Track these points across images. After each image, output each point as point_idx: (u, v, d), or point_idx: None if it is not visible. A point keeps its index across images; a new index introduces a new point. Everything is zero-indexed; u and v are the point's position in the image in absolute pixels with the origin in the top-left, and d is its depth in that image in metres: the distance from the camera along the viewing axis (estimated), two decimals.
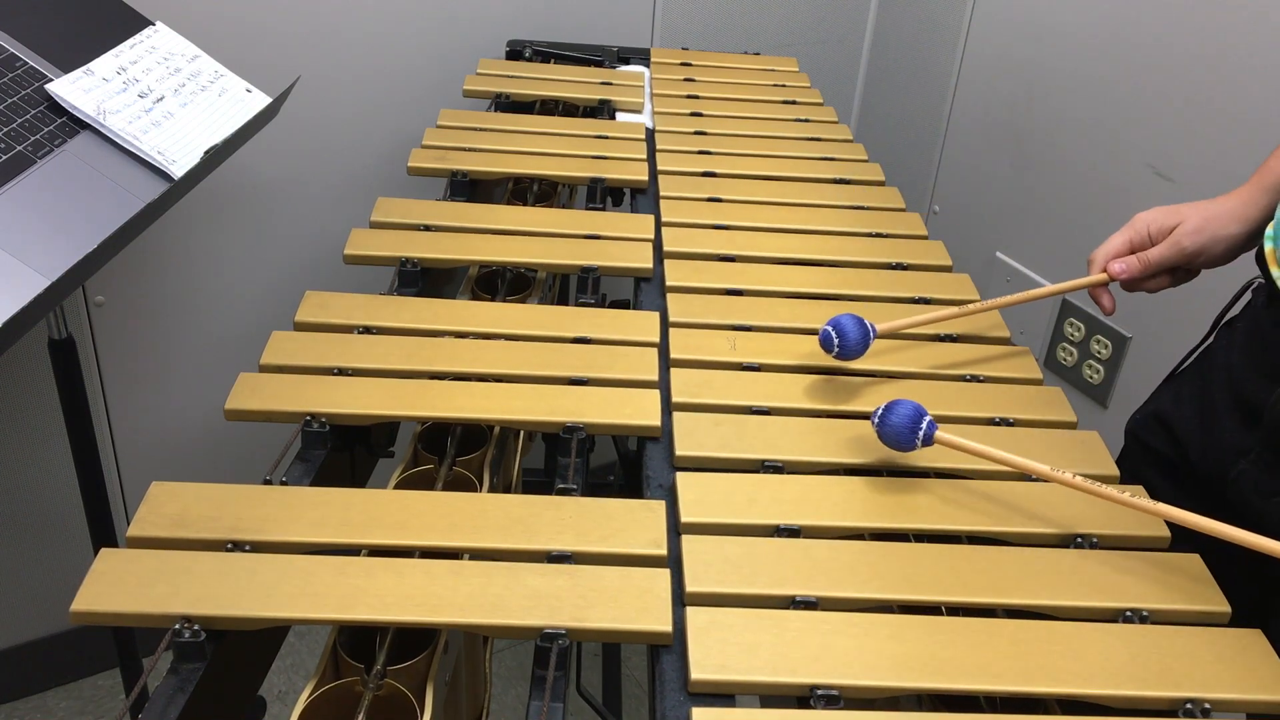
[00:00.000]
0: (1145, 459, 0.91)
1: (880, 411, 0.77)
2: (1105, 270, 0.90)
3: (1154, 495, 0.83)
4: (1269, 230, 0.80)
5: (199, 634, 0.60)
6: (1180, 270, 0.90)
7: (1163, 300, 1.48)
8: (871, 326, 0.87)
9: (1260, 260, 0.81)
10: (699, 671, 0.60)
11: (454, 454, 0.83)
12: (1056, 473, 0.72)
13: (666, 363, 0.90)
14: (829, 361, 0.90)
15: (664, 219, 1.14)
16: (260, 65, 1.37)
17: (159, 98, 1.13)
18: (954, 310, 0.93)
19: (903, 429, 0.75)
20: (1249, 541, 0.64)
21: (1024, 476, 0.79)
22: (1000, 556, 0.70)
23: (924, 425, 0.75)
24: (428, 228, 1.08)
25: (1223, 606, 0.68)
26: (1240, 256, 0.88)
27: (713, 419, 0.82)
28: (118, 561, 0.64)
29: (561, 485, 0.76)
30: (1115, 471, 0.81)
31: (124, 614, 0.61)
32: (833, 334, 0.86)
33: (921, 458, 0.80)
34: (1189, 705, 0.61)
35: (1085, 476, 0.71)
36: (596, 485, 0.90)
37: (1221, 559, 0.72)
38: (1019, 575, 0.69)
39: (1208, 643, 0.64)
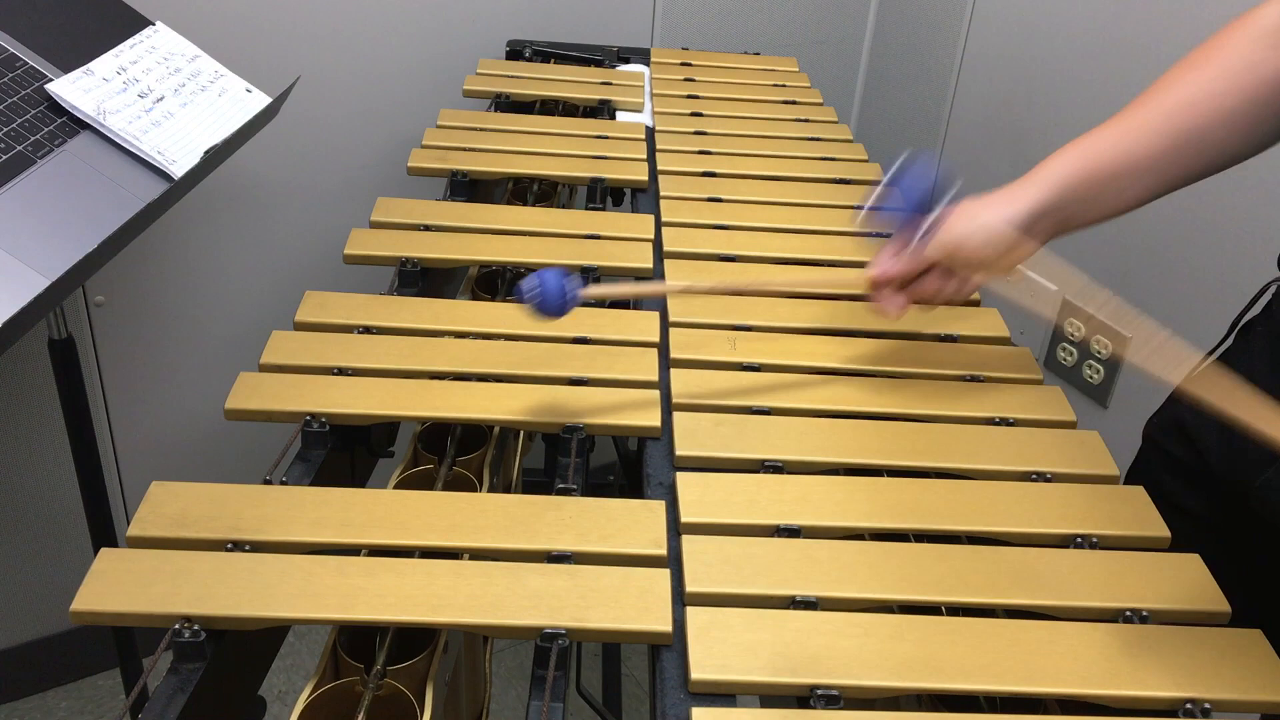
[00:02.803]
0: (1164, 464, 0.90)
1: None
2: (871, 276, 0.85)
3: (1171, 500, 0.83)
4: None
5: (199, 634, 0.60)
6: (951, 275, 0.83)
7: (1162, 300, 1.48)
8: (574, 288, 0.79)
9: None
10: (699, 671, 0.60)
11: (454, 454, 0.84)
12: None
13: (666, 363, 0.90)
14: (829, 361, 0.90)
15: (664, 219, 1.14)
16: (260, 65, 1.37)
17: (159, 98, 1.13)
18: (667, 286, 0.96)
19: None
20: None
21: (1028, 476, 0.79)
22: (1000, 556, 0.70)
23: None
24: (428, 228, 1.08)
25: (1223, 606, 0.68)
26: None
27: (713, 419, 0.82)
28: (118, 561, 0.64)
29: (561, 485, 0.76)
30: (1115, 471, 0.81)
31: (124, 614, 0.61)
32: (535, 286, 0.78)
33: (922, 457, 0.80)
34: (1189, 705, 0.61)
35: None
36: (596, 485, 0.90)
37: (1222, 559, 0.72)
38: (1019, 575, 0.69)
39: (1208, 643, 0.64)
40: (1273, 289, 0.85)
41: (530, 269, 1.09)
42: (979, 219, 0.79)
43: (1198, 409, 0.88)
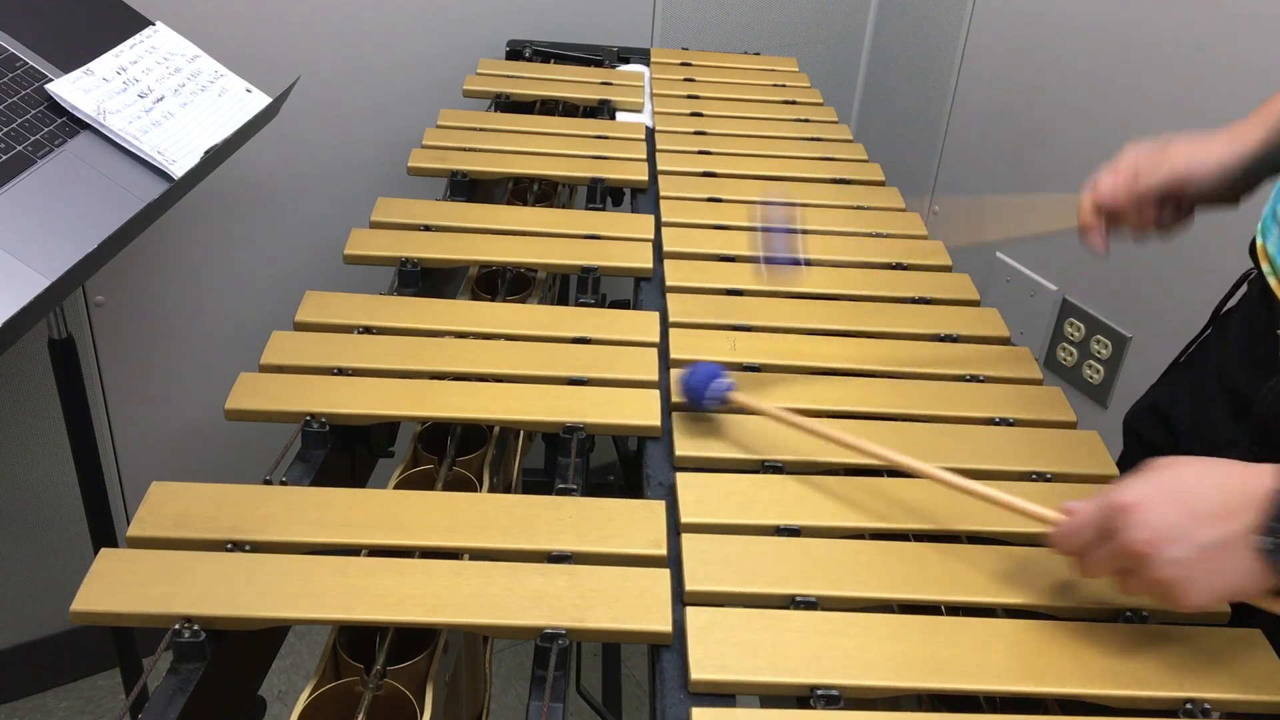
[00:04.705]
0: (1142, 451, 0.91)
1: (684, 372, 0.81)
2: (1093, 192, 0.85)
3: None
4: (1260, 225, 0.80)
5: (199, 634, 0.60)
6: (1169, 206, 0.85)
7: (1162, 299, 1.48)
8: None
9: (1253, 253, 0.81)
10: (699, 671, 0.60)
11: (454, 454, 0.83)
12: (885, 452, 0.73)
13: (666, 363, 0.90)
14: (829, 361, 0.90)
15: (664, 219, 1.14)
16: (260, 65, 1.37)
17: (159, 98, 1.13)
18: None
19: (696, 387, 0.80)
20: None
21: (1027, 476, 0.79)
22: (1000, 556, 0.70)
23: (713, 386, 0.80)
24: (428, 228, 1.08)
25: (1223, 606, 0.68)
26: (1241, 206, 0.84)
27: (713, 419, 0.82)
28: (118, 561, 0.64)
29: (561, 485, 0.76)
30: (1115, 471, 0.81)
31: (124, 614, 0.61)
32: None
33: (922, 457, 0.79)
34: (1189, 705, 0.61)
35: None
36: (596, 485, 0.90)
37: None
38: (1019, 575, 0.69)
39: (1208, 643, 0.64)
40: (1248, 279, 0.86)
41: (530, 269, 1.09)
42: (1212, 154, 0.82)
43: (1173, 393, 0.89)
